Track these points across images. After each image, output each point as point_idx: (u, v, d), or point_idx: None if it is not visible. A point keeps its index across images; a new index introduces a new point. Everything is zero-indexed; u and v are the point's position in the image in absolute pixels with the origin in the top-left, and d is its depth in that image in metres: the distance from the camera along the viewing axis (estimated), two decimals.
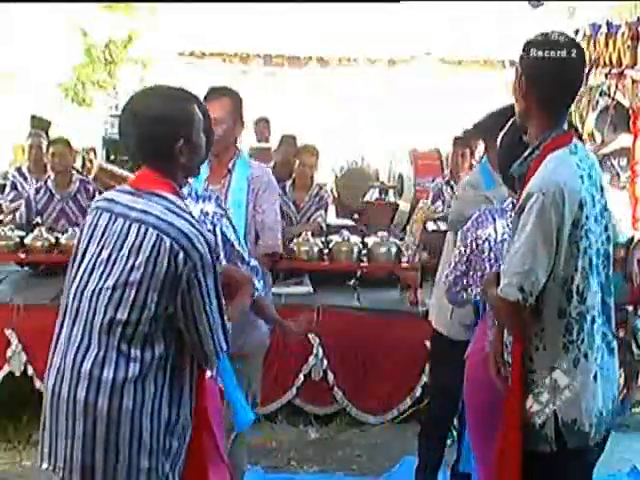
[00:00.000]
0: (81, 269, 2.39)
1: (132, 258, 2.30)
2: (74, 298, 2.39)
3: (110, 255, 2.33)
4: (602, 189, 2.51)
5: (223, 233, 2.99)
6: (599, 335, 2.50)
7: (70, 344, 2.36)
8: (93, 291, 2.34)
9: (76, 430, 2.29)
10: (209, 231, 2.87)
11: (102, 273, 2.34)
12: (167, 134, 2.38)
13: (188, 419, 2.40)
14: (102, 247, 2.36)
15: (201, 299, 2.30)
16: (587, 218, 2.43)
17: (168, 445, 2.35)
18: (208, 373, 2.61)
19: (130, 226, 2.32)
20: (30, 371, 4.92)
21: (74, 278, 2.41)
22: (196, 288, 2.29)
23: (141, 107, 2.40)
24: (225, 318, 2.38)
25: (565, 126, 2.51)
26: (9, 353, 4.92)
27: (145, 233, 2.29)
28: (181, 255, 2.27)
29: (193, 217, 2.37)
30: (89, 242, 2.40)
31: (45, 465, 2.39)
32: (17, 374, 4.95)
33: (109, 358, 2.29)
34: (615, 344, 2.56)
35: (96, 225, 2.40)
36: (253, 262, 3.10)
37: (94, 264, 2.37)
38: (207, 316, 2.32)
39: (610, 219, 2.54)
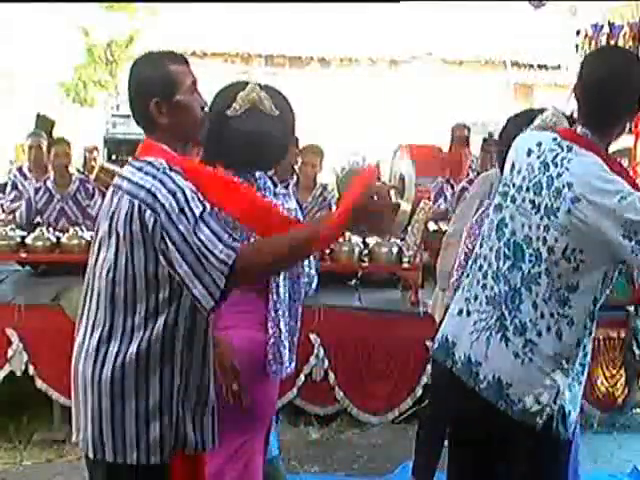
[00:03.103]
0: (94, 248, 2.44)
1: (114, 227, 2.32)
2: (87, 276, 2.43)
3: (110, 228, 2.36)
4: (559, 193, 2.41)
5: None
6: (482, 291, 2.59)
7: (82, 322, 2.41)
8: (94, 266, 2.39)
9: (87, 404, 2.35)
10: None
11: (100, 247, 2.38)
12: (140, 93, 2.40)
13: (205, 383, 2.42)
14: (105, 221, 2.38)
15: (175, 249, 2.23)
16: (513, 186, 2.54)
17: (182, 410, 2.37)
18: None
19: (115, 196, 2.35)
20: (31, 371, 4.92)
21: (91, 258, 2.44)
22: (167, 240, 2.24)
23: (138, 70, 2.44)
24: (217, 258, 2.24)
25: (577, 127, 2.52)
26: (10, 353, 4.91)
27: (120, 200, 2.32)
28: (148, 213, 2.25)
29: (165, 172, 2.31)
30: (100, 220, 2.43)
31: (74, 437, 2.44)
32: (18, 374, 4.93)
33: (115, 332, 2.32)
34: (513, 338, 2.49)
35: (105, 203, 2.43)
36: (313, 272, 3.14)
37: (97, 239, 2.42)
38: (187, 263, 2.23)
39: (556, 223, 2.42)
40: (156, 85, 2.38)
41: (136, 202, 2.27)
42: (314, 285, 3.17)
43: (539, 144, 2.53)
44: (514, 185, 2.55)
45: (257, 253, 2.30)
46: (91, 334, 2.36)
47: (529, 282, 2.48)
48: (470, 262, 2.69)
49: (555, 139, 2.52)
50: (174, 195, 2.26)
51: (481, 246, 2.64)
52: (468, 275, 2.68)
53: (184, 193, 2.27)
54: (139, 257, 2.29)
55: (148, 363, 2.32)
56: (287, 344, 2.99)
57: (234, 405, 2.82)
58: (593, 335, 2.57)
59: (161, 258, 2.27)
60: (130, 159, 2.46)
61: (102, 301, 2.35)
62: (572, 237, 2.41)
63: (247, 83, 3.02)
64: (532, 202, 2.49)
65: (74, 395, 2.43)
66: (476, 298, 2.60)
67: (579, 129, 2.51)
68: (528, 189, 2.51)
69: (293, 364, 3.05)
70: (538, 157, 2.51)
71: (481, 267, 2.61)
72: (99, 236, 2.41)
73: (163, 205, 2.24)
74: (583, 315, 2.47)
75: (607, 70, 2.47)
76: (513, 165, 2.58)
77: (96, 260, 2.40)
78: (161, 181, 2.28)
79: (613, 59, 2.51)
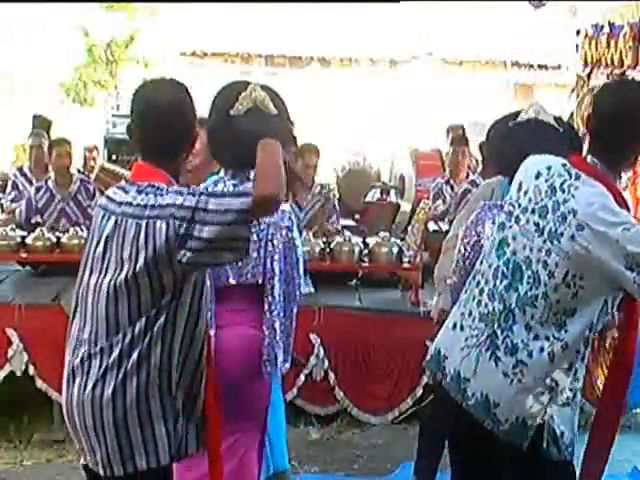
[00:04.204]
0: (85, 270, 2.44)
1: (119, 252, 2.33)
2: (79, 300, 2.44)
3: (104, 253, 2.37)
4: (564, 218, 2.42)
5: (293, 237, 3.01)
6: (476, 308, 2.60)
7: (78, 345, 2.41)
8: (94, 291, 2.38)
9: (88, 424, 2.36)
10: (286, 227, 2.99)
11: (99, 272, 2.38)
12: (188, 126, 2.45)
13: (199, 373, 2.44)
14: (97, 245, 2.40)
15: (200, 220, 2.25)
16: (519, 206, 2.56)
17: (182, 405, 2.40)
18: None
19: (116, 221, 2.36)
20: (31, 371, 4.92)
21: (80, 280, 2.46)
22: (193, 227, 2.25)
23: (163, 98, 2.44)
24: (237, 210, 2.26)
25: (587, 156, 2.55)
26: (10, 353, 4.91)
27: (126, 225, 2.33)
28: (158, 224, 2.27)
29: (165, 189, 2.36)
30: (90, 243, 2.45)
31: (82, 460, 2.47)
32: (18, 374, 4.94)
33: (115, 355, 2.33)
34: (504, 358, 2.50)
35: (95, 225, 2.45)
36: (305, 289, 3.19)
37: (92, 264, 2.42)
38: (213, 224, 2.25)
39: (561, 250, 2.42)
40: (194, 120, 2.48)
41: (143, 222, 2.29)
42: (303, 289, 3.21)
43: (549, 168, 2.54)
44: (519, 205, 2.56)
45: (264, 184, 2.30)
46: (89, 358, 2.36)
47: (524, 303, 2.49)
48: (470, 278, 2.70)
49: (564, 165, 2.53)
50: (180, 193, 2.30)
51: (481, 263, 2.66)
52: (466, 291, 2.69)
53: (188, 191, 2.31)
54: (143, 276, 2.30)
55: (149, 371, 2.33)
56: (282, 344, 3.01)
57: (227, 404, 2.83)
58: (586, 361, 2.56)
59: (175, 265, 2.27)
60: (124, 183, 2.48)
61: (97, 320, 2.36)
62: (573, 263, 2.41)
63: (247, 83, 3.03)
64: (536, 225, 2.50)
65: (71, 420, 2.42)
66: (470, 314, 2.62)
67: (589, 158, 2.53)
68: (534, 211, 2.51)
69: (287, 364, 3.07)
70: (546, 180, 2.52)
71: (478, 283, 2.63)
72: (90, 259, 2.41)
73: (173, 204, 2.27)
74: (578, 340, 2.48)
75: (620, 104, 2.49)
76: (520, 185, 2.59)
77: (87, 284, 2.40)
78: (162, 195, 2.32)
79: (626, 93, 2.53)
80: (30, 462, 4.60)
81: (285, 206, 3.04)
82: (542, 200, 2.50)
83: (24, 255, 5.45)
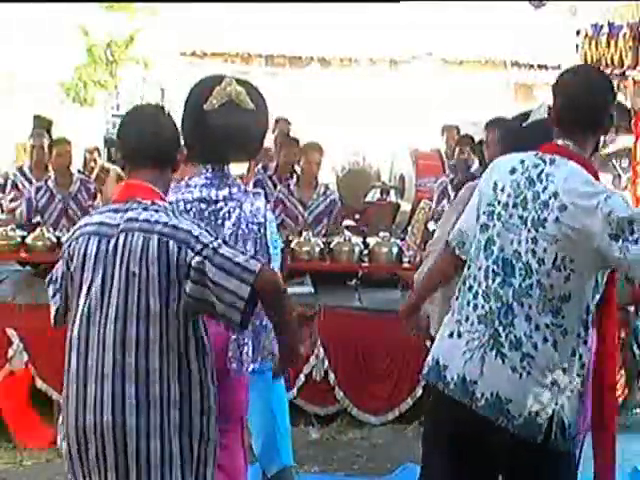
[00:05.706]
0: (82, 298, 2.40)
1: (125, 271, 2.32)
2: (80, 328, 2.39)
3: (104, 276, 2.35)
4: (546, 205, 2.47)
5: (265, 234, 3.01)
6: (473, 312, 2.59)
7: (86, 375, 2.37)
8: (100, 316, 2.35)
9: (106, 449, 2.33)
10: (258, 224, 2.97)
11: (102, 295, 2.35)
12: (177, 140, 2.53)
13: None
14: (95, 271, 2.37)
15: (209, 263, 2.28)
16: (499, 203, 2.58)
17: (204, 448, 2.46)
18: None
19: (117, 240, 2.34)
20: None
21: (77, 309, 2.41)
22: (199, 257, 2.28)
23: (154, 114, 2.50)
24: (243, 267, 2.30)
25: (557, 141, 2.59)
26: (10, 353, 4.92)
27: (132, 239, 2.32)
28: (170, 243, 2.28)
29: (174, 211, 2.41)
30: (83, 269, 2.40)
31: None
32: None
33: (129, 379, 2.32)
34: (509, 353, 2.50)
35: (85, 252, 2.40)
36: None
37: (91, 290, 2.38)
38: (221, 270, 2.28)
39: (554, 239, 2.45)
40: (178, 136, 2.59)
41: (154, 237, 2.29)
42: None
43: (522, 161, 2.59)
44: (499, 203, 2.59)
45: (275, 274, 2.41)
46: (102, 387, 2.33)
47: (521, 296, 2.51)
48: (459, 284, 2.70)
49: (537, 154, 2.58)
50: (198, 225, 2.36)
51: (469, 267, 2.67)
52: (457, 297, 2.68)
53: (205, 227, 2.39)
54: (156, 295, 2.29)
55: (169, 396, 2.34)
56: (250, 342, 2.98)
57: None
58: (589, 345, 2.57)
59: (189, 286, 2.28)
60: (114, 205, 2.45)
61: (109, 350, 2.33)
62: (561, 246, 2.45)
63: (223, 77, 3.01)
64: (520, 217, 2.54)
65: (81, 451, 2.36)
66: (467, 319, 2.62)
67: (560, 142, 2.58)
68: (515, 205, 2.55)
69: (256, 365, 3.04)
70: (522, 173, 2.57)
71: (471, 287, 2.63)
72: (90, 285, 2.37)
73: (190, 232, 2.30)
74: (576, 324, 2.50)
75: (581, 86, 2.57)
76: (496, 184, 2.62)
77: (89, 311, 2.36)
78: (175, 216, 2.35)
79: (586, 75, 2.64)
80: (30, 462, 4.60)
81: (260, 203, 3.03)
82: (522, 193, 2.54)
83: (24, 255, 5.45)
